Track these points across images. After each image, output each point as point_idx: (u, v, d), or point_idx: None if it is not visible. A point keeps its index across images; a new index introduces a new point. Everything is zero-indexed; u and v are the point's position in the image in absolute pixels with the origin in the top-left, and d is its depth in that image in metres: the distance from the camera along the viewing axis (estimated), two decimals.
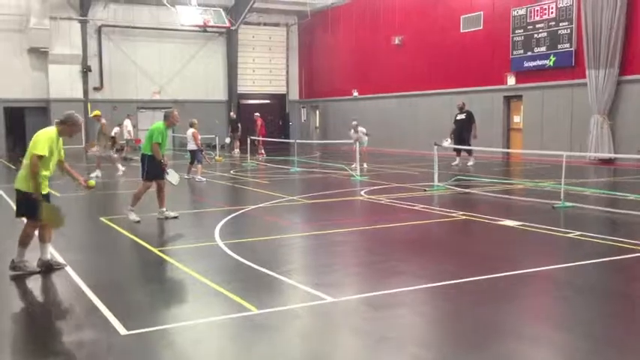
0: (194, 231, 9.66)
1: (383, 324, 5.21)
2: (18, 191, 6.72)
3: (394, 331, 5.05)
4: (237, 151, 26.51)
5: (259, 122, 26.29)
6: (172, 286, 6.53)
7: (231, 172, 18.90)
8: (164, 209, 10.12)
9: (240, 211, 10.95)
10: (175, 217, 10.10)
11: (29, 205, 6.63)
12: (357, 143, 17.95)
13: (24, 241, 6.77)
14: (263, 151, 25.13)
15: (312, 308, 5.61)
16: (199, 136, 16.61)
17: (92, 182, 7.37)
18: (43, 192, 6.69)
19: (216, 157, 23.17)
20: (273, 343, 4.78)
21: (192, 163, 16.50)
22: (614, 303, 5.77)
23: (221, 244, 8.11)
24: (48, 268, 6.84)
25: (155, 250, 7.95)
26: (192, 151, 16.51)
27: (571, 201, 10.96)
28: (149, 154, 9.93)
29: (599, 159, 19.37)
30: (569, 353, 4.62)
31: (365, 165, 18.72)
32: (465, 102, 20.76)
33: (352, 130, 19.37)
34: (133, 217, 9.79)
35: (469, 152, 19.77)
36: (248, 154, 22.86)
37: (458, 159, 19.70)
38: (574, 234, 8.50)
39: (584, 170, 17.67)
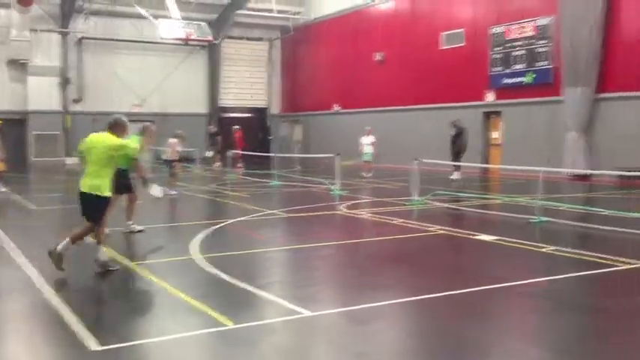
0: (171, 245, 9.61)
1: (361, 339, 5.23)
2: (97, 197, 7.13)
3: (372, 345, 5.08)
4: (218, 164, 26.47)
5: (238, 135, 26.31)
6: (146, 301, 6.49)
7: (211, 185, 18.85)
8: (130, 222, 10.02)
9: (219, 225, 10.92)
10: (141, 231, 9.99)
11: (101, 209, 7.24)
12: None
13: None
14: (242, 165, 25.11)
15: (290, 323, 5.61)
16: (179, 148, 16.42)
17: None
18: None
19: (196, 171, 23.10)
20: (248, 358, 4.78)
21: (169, 175, 16.16)
22: (588, 318, 5.85)
23: (198, 258, 8.08)
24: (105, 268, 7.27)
25: (130, 264, 7.89)
26: (167, 162, 16.26)
27: (547, 216, 11.10)
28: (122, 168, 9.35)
29: (575, 175, 19.64)
30: None
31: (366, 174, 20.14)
32: (459, 118, 21.14)
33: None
34: (136, 227, 9.94)
35: (457, 167, 20.06)
36: (228, 168, 22.82)
37: (455, 173, 19.99)
38: (549, 249, 8.61)
39: (561, 186, 17.90)
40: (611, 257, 7.92)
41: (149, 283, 7.04)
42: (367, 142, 22.27)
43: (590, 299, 6.56)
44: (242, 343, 5.05)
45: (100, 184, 7.15)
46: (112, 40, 31.30)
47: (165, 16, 30.14)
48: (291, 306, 5.98)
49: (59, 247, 7.11)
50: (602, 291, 6.84)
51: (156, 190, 10.07)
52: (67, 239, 7.19)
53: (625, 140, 18.86)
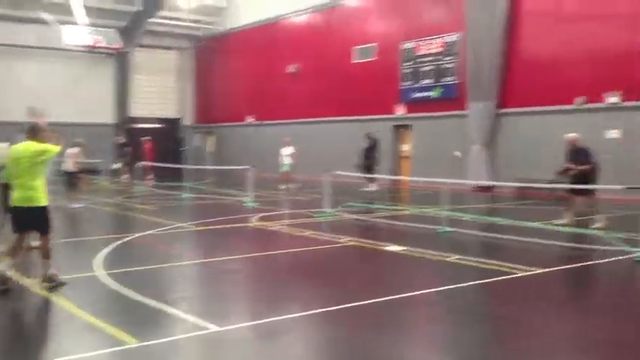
0: (72, 261, 9.13)
1: (269, 352, 5.19)
2: (36, 208, 6.93)
3: (280, 359, 5.04)
4: (126, 176, 25.64)
5: (147, 146, 25.68)
6: (44, 321, 6.17)
7: (118, 198, 18.23)
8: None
9: (125, 239, 10.56)
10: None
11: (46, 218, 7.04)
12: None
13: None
14: (151, 176, 24.49)
15: (197, 338, 5.49)
16: (80, 159, 15.64)
17: None
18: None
19: (102, 183, 22.31)
20: None
21: (70, 187, 15.28)
22: (490, 324, 6.08)
23: (102, 274, 7.78)
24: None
25: (26, 282, 7.47)
26: (68, 174, 15.35)
27: (452, 226, 11.49)
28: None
29: (479, 186, 20.49)
30: None
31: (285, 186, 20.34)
32: (372, 131, 21.58)
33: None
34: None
35: (371, 179, 20.39)
36: (137, 180, 22.18)
37: (371, 185, 20.29)
38: (453, 258, 8.91)
39: (466, 197, 18.61)
40: (511, 265, 8.29)
41: (48, 301, 6.69)
42: (286, 154, 22.35)
43: (491, 306, 6.83)
44: None
45: (35, 195, 6.92)
46: (13, 45, 29.77)
47: (72, 22, 29.04)
48: (199, 321, 5.85)
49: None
50: (502, 298, 7.13)
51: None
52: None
53: (524, 153, 19.89)
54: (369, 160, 20.82)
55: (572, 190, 12.07)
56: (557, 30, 19.09)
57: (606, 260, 8.96)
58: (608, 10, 17.93)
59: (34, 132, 7.17)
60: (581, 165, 11.84)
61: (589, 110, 18.17)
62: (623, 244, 9.44)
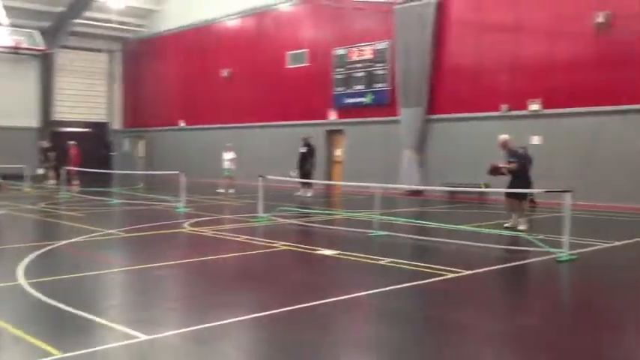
0: None
1: None
2: None
3: None
4: (52, 182, 24.72)
5: (73, 151, 24.88)
6: None
7: (42, 204, 17.54)
8: None
9: (50, 247, 10.17)
10: None
11: None
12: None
13: None
14: (77, 182, 23.70)
15: (125, 348, 5.32)
16: None
17: None
18: None
19: (25, 189, 21.43)
20: None
21: None
22: (420, 325, 6.20)
23: (24, 283, 7.44)
24: None
25: None
26: None
27: (384, 230, 11.67)
28: None
29: (409, 190, 20.92)
30: None
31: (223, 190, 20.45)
32: (308, 136, 21.48)
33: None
34: None
35: (308, 185, 20.44)
36: (63, 186, 21.41)
37: (301, 190, 20.27)
38: (385, 261, 9.04)
39: (397, 201, 18.95)
40: (441, 267, 8.49)
41: None
42: (227, 158, 22.17)
43: (421, 308, 6.96)
44: None
45: None
46: None
47: None
48: (127, 330, 5.69)
49: None
50: (432, 299, 7.30)
51: None
52: None
53: (453, 158, 20.46)
54: (306, 166, 20.71)
55: (507, 193, 12.42)
56: (482, 40, 19.77)
57: (530, 261, 9.33)
58: (529, 22, 18.73)
59: None
60: (509, 164, 12.25)
61: (513, 117, 18.88)
62: (545, 246, 9.83)
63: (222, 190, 21.50)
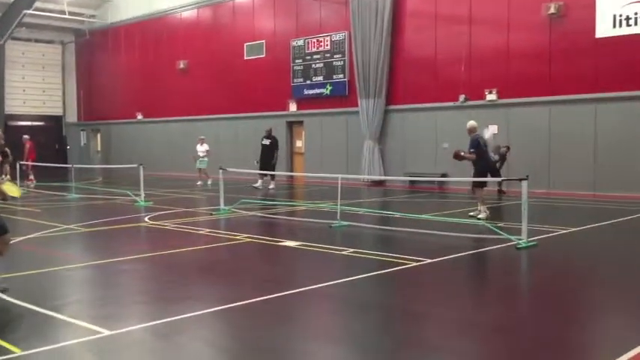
0: None
1: (162, 354, 5.07)
2: None
3: None
4: (4, 177, 24.02)
5: (28, 145, 24.23)
6: None
7: None
8: None
9: None
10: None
11: None
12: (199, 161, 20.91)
13: None
14: (32, 177, 23.12)
15: (87, 344, 5.25)
16: None
17: None
18: None
19: None
20: None
21: None
22: (381, 314, 6.28)
23: None
24: None
25: None
26: None
27: (347, 220, 11.75)
28: None
29: (371, 181, 21.09)
30: None
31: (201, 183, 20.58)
32: (270, 128, 21.20)
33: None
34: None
35: (272, 177, 20.28)
36: (18, 181, 20.84)
37: (260, 181, 20.11)
38: (348, 251, 9.11)
39: (359, 191, 19.08)
40: (403, 256, 8.60)
41: None
42: (201, 150, 22.05)
43: (384, 297, 7.05)
44: None
45: None
46: None
47: None
48: (89, 326, 5.61)
49: None
50: (394, 288, 7.40)
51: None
52: None
53: (413, 148, 20.69)
54: (271, 159, 20.35)
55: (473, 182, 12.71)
56: (438, 31, 20.00)
57: (489, 248, 9.53)
58: (483, 13, 19.02)
59: None
60: (469, 153, 12.46)
61: (471, 107, 19.19)
62: (504, 233, 10.06)
63: (200, 183, 21.37)
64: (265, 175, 20.06)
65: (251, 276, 7.94)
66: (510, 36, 18.44)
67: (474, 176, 12.62)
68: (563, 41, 17.40)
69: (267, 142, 20.66)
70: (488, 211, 12.39)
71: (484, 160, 12.68)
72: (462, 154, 12.69)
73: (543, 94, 17.82)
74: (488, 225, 11.07)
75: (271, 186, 20.17)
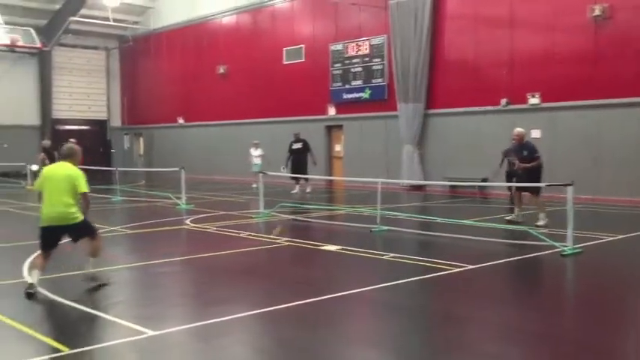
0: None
1: (205, 356, 5.12)
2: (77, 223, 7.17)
3: None
4: None
5: None
6: None
7: None
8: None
9: None
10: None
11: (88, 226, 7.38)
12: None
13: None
14: None
15: (132, 344, 5.35)
16: None
17: None
18: None
19: (27, 187, 21.41)
20: None
21: None
22: (424, 319, 6.23)
23: (30, 281, 7.44)
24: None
25: None
26: None
27: (387, 225, 11.68)
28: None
29: (411, 185, 20.93)
30: None
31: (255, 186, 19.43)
32: (300, 131, 21.22)
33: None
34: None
35: (306, 180, 20.11)
36: None
37: (297, 187, 20.02)
38: (389, 256, 9.06)
39: (398, 196, 18.97)
40: (444, 262, 8.51)
41: None
42: (256, 155, 22.36)
43: (425, 302, 6.98)
44: None
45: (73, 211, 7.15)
46: None
47: None
48: (134, 326, 5.71)
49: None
50: (435, 294, 7.32)
51: None
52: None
53: (453, 152, 20.47)
54: (305, 162, 20.26)
55: (518, 187, 12.30)
56: (479, 34, 19.74)
57: (534, 255, 9.34)
58: (525, 15, 18.69)
59: (70, 155, 7.45)
60: (525, 160, 12.00)
61: (513, 111, 18.88)
62: (549, 240, 9.85)
63: (255, 186, 21.27)
64: (300, 179, 19.79)
65: (291, 279, 7.96)
66: (553, 38, 18.09)
67: (530, 182, 11.92)
68: (609, 43, 16.97)
69: (298, 145, 20.43)
70: (547, 219, 11.85)
71: (540, 166, 12.31)
72: (528, 165, 12.15)
73: (588, 98, 17.41)
74: (532, 231, 10.86)
75: (308, 189, 20.02)
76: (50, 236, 7.18)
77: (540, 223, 11.75)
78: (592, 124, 17.43)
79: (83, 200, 7.30)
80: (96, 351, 5.10)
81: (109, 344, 5.34)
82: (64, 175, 7.18)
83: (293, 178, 19.79)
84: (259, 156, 22.37)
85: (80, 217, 7.29)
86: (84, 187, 7.22)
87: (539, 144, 16.77)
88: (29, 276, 7.20)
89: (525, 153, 12.15)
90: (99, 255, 7.50)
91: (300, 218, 13.88)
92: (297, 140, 20.62)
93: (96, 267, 7.49)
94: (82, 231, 7.35)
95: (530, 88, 18.55)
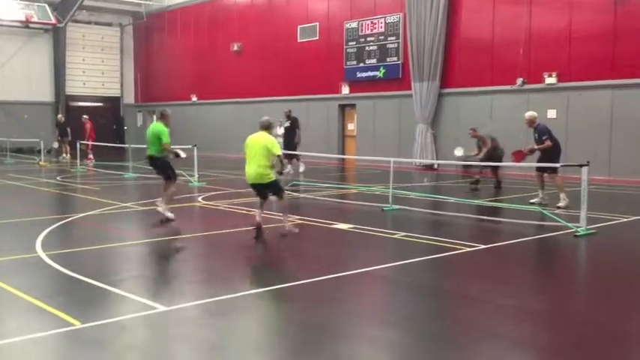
0: (11, 242, 8.84)
1: (216, 331, 5.14)
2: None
3: (227, 338, 5.01)
4: (65, 156, 24.85)
5: (88, 125, 24.94)
6: None
7: (58, 178, 17.65)
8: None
9: (67, 220, 10.25)
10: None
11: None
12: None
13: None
14: (92, 156, 23.79)
15: (143, 319, 5.38)
16: None
17: None
18: None
19: (41, 163, 21.57)
20: (97, 357, 4.51)
21: None
22: (435, 298, 6.20)
23: (43, 255, 7.52)
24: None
25: None
26: None
27: (398, 204, 11.64)
28: (161, 155, 10.32)
29: (423, 165, 20.82)
30: (392, 349, 4.86)
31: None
32: (291, 109, 20.61)
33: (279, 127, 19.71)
34: (170, 215, 9.74)
35: (297, 158, 19.81)
36: (78, 160, 21.53)
37: (289, 166, 19.72)
38: (400, 234, 9.03)
39: (411, 175, 18.88)
40: (455, 241, 8.46)
41: None
42: (279, 133, 21.70)
43: (436, 281, 6.96)
44: (89, 342, 4.76)
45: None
46: None
47: None
48: (145, 301, 5.75)
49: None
50: (447, 273, 7.29)
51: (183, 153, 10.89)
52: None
53: (466, 132, 20.23)
54: (294, 140, 19.59)
55: (538, 168, 12.01)
56: (496, 12, 19.44)
57: (547, 235, 9.28)
58: None
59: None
60: (540, 143, 11.80)
61: (529, 90, 18.64)
62: (562, 220, 9.76)
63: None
64: (292, 157, 18.87)
65: (302, 257, 7.96)
66: (572, 16, 17.77)
67: (548, 163, 11.53)
68: (629, 22, 16.65)
69: (287, 124, 19.83)
70: (568, 199, 11.59)
71: (557, 146, 12.06)
72: (534, 147, 11.94)
73: (606, 78, 17.13)
74: (546, 212, 10.76)
75: (301, 169, 19.41)
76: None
77: (561, 204, 11.53)
78: (609, 103, 17.17)
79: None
80: (107, 325, 5.14)
81: (120, 319, 5.37)
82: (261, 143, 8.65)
83: (286, 156, 19.17)
84: (281, 135, 21.88)
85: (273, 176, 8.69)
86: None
87: (554, 124, 16.60)
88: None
89: (536, 136, 11.95)
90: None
91: (312, 196, 13.86)
92: (288, 117, 20.05)
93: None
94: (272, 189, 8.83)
95: (548, 68, 18.29)
